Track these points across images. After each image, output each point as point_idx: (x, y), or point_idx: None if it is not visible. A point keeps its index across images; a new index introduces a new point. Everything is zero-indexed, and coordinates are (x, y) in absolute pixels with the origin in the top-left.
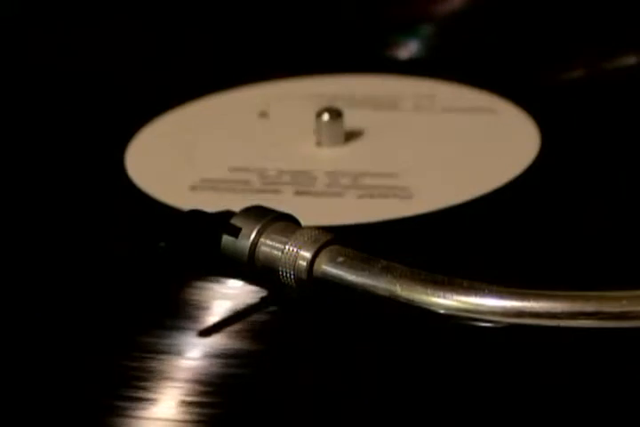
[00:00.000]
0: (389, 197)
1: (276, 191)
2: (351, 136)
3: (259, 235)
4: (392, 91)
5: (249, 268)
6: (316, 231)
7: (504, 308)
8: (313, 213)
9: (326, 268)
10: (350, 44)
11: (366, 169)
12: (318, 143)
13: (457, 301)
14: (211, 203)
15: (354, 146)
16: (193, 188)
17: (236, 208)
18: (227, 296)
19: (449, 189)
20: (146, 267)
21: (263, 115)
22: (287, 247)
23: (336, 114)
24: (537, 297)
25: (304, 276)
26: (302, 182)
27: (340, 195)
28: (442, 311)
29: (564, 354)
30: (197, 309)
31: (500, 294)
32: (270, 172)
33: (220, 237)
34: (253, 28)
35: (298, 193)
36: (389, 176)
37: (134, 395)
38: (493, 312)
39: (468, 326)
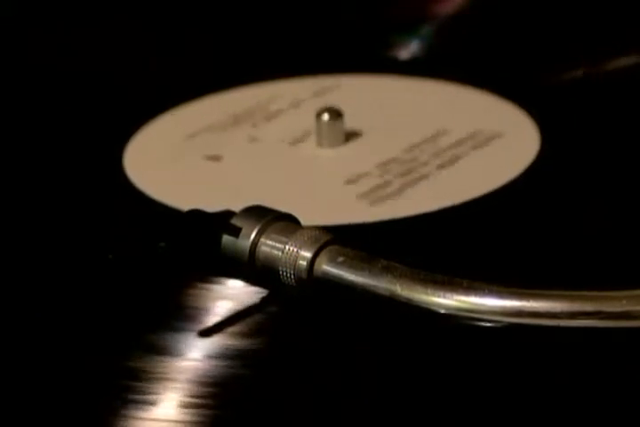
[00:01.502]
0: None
1: None
2: (351, 136)
3: (259, 235)
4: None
5: (249, 268)
6: (317, 231)
7: (504, 308)
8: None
9: (326, 268)
10: (350, 44)
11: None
12: (318, 143)
13: (457, 300)
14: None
15: (354, 146)
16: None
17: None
18: (227, 297)
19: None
20: (146, 267)
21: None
22: (287, 247)
23: (336, 114)
24: (537, 297)
25: (304, 275)
26: None
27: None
28: (442, 311)
29: (564, 354)
30: (197, 309)
31: (500, 294)
32: None
33: (221, 237)
34: (253, 28)
35: None
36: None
37: (134, 396)
38: (493, 312)
39: (468, 326)
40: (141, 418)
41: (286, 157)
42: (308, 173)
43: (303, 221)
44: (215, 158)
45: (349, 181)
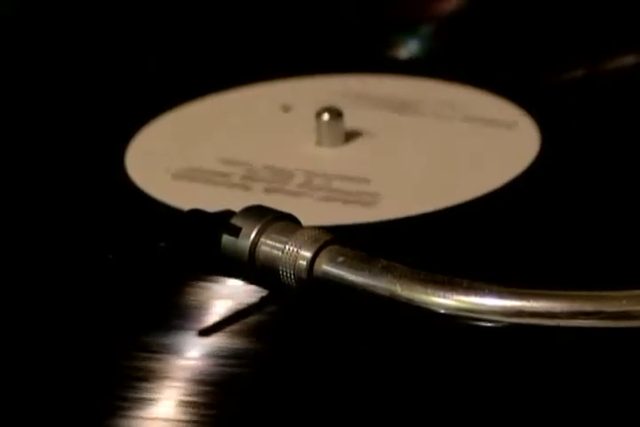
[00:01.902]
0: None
1: (247, 188)
2: (351, 136)
3: (259, 234)
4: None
5: (249, 267)
6: (317, 231)
7: (504, 307)
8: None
9: (326, 267)
10: (350, 44)
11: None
12: (318, 143)
13: (457, 300)
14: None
15: (354, 146)
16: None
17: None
18: (226, 296)
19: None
20: (146, 267)
21: (286, 109)
22: (287, 247)
23: (336, 114)
24: (537, 297)
25: (304, 275)
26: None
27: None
28: (442, 311)
29: (564, 354)
30: (197, 308)
31: (500, 294)
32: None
33: (221, 237)
34: (253, 28)
35: (266, 191)
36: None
37: (134, 395)
38: (493, 312)
39: (468, 326)
40: (141, 417)
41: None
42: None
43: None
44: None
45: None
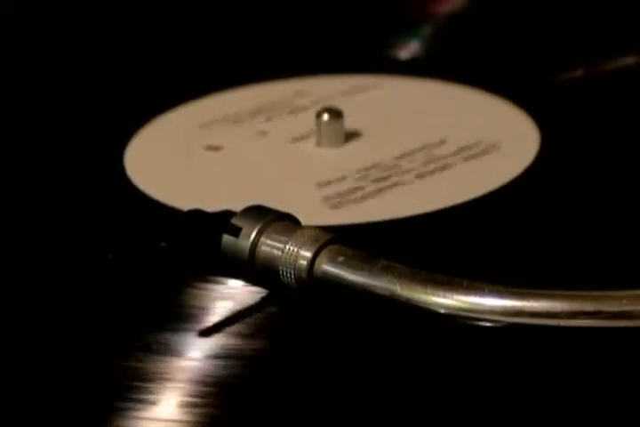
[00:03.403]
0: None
1: None
2: (351, 136)
3: (259, 234)
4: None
5: (249, 267)
6: (317, 231)
7: (504, 307)
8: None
9: (327, 267)
10: (350, 44)
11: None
12: (318, 143)
13: (457, 300)
14: None
15: (354, 146)
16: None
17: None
18: (227, 296)
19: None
20: (146, 267)
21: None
22: (288, 247)
23: (336, 114)
24: (537, 297)
25: (304, 275)
26: None
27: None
28: (442, 311)
29: (564, 354)
30: (198, 309)
31: (500, 294)
32: None
33: (221, 237)
34: (253, 28)
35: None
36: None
37: (134, 395)
38: (493, 312)
39: (468, 326)
40: (141, 418)
41: (286, 157)
42: (307, 173)
43: (311, 221)
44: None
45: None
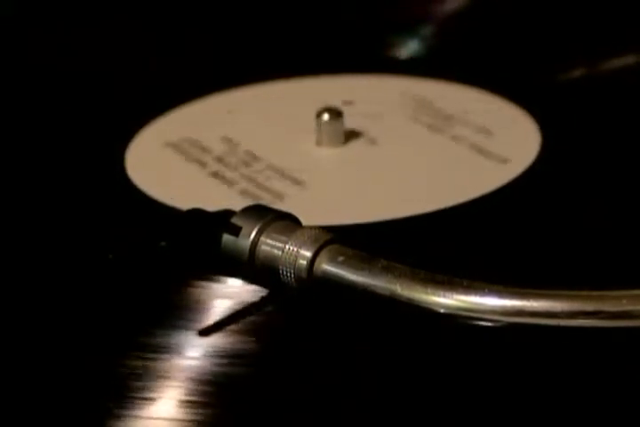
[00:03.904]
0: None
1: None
2: (351, 136)
3: (259, 234)
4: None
5: (249, 267)
6: (317, 231)
7: (504, 307)
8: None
9: (326, 267)
10: (350, 44)
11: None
12: (318, 143)
13: (457, 300)
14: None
15: (354, 146)
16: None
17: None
18: (227, 296)
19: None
20: (146, 267)
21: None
22: (288, 246)
23: (336, 114)
24: (537, 296)
25: (304, 275)
26: None
27: None
28: (442, 311)
29: (564, 354)
30: (197, 308)
31: (500, 294)
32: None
33: (221, 237)
34: (253, 27)
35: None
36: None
37: (133, 395)
38: (493, 311)
39: (468, 326)
40: (141, 417)
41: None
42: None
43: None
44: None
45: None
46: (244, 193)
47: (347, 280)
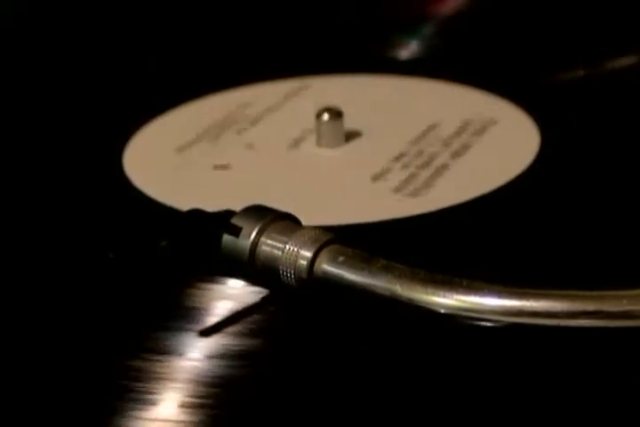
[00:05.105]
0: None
1: None
2: (351, 136)
3: (259, 234)
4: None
5: (249, 267)
6: (317, 231)
7: (504, 307)
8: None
9: (327, 267)
10: (350, 44)
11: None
12: (318, 143)
13: (457, 300)
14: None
15: (354, 146)
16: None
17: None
18: (227, 296)
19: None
20: (146, 267)
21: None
22: (288, 247)
23: (336, 114)
24: (537, 297)
25: (304, 275)
26: None
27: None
28: (442, 311)
29: (564, 354)
30: (197, 309)
31: (500, 294)
32: None
33: (221, 237)
34: (253, 27)
35: None
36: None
37: (134, 395)
38: (493, 311)
39: (468, 326)
40: (141, 418)
41: (287, 157)
42: (309, 173)
43: (311, 221)
44: (222, 167)
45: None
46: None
47: (347, 280)
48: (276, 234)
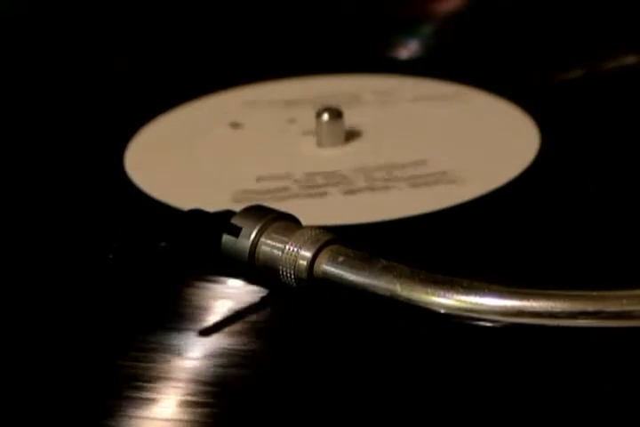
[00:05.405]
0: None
1: (322, 194)
2: (351, 136)
3: (259, 234)
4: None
5: (249, 267)
6: (317, 231)
7: (504, 307)
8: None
9: (327, 267)
10: (350, 44)
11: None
12: (318, 143)
13: (457, 300)
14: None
15: (354, 146)
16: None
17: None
18: (227, 296)
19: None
20: (146, 267)
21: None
22: (288, 247)
23: (336, 114)
24: (537, 297)
25: (304, 275)
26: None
27: (386, 188)
28: (442, 311)
29: (564, 354)
30: (198, 308)
31: (500, 294)
32: (297, 176)
33: (221, 237)
34: (253, 27)
35: (346, 193)
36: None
37: (135, 395)
38: (493, 312)
39: (468, 326)
40: (141, 417)
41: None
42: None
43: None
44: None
45: (384, 175)
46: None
47: (347, 280)
48: (276, 234)
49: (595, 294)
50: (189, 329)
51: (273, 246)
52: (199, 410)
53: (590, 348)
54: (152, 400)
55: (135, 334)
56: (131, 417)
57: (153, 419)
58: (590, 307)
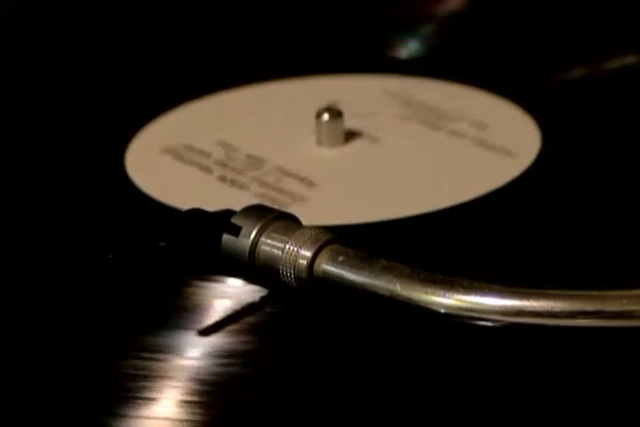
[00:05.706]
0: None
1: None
2: (351, 136)
3: (259, 234)
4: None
5: (249, 267)
6: (317, 231)
7: (504, 307)
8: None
9: (327, 267)
10: (350, 44)
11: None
12: (318, 143)
13: (457, 300)
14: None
15: (354, 146)
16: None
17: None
18: (227, 296)
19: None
20: (146, 266)
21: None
22: (288, 246)
23: (336, 114)
24: (537, 296)
25: (304, 275)
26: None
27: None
28: (442, 311)
29: (564, 354)
30: (197, 308)
31: (501, 294)
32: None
33: (221, 237)
34: (253, 27)
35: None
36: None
37: (134, 394)
38: (493, 311)
39: (468, 326)
40: (141, 417)
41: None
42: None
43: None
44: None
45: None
46: (244, 194)
47: (347, 280)
48: (276, 234)
49: (594, 293)
50: (189, 329)
51: (273, 246)
52: (199, 410)
53: (590, 348)
54: (152, 400)
55: (135, 333)
56: (131, 417)
57: (153, 418)
58: (590, 307)
